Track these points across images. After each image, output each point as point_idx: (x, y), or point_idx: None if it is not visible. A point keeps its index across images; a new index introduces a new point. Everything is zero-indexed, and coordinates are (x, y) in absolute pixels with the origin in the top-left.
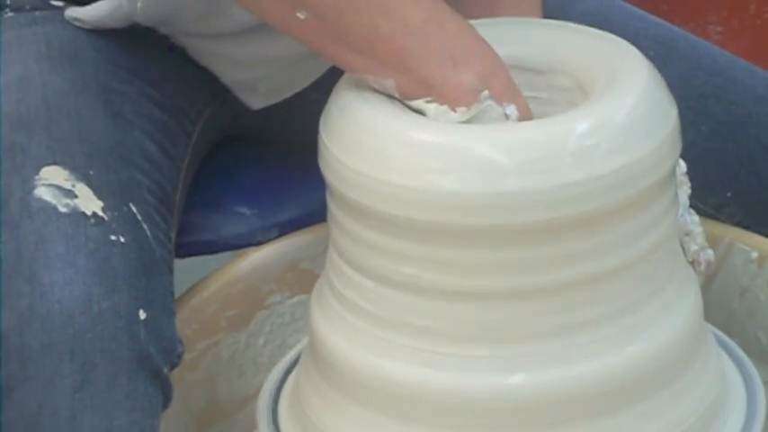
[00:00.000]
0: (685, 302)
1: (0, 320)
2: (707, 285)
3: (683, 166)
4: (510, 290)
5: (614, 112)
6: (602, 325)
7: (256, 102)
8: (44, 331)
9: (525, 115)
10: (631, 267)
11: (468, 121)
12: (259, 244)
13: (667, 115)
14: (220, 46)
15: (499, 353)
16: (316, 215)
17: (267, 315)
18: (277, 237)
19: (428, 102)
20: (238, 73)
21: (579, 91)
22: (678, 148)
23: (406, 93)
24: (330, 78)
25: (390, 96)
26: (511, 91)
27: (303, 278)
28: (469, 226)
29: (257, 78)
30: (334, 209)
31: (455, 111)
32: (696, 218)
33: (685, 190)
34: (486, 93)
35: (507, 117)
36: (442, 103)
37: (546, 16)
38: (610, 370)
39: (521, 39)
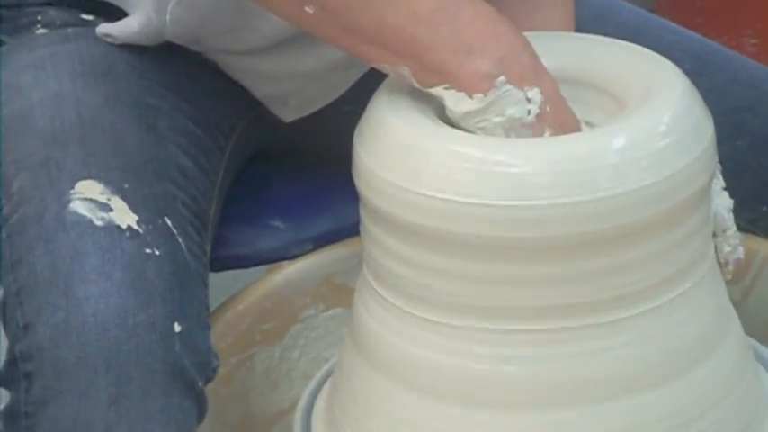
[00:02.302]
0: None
1: (36, 333)
2: (742, 299)
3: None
4: (543, 304)
5: (651, 126)
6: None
7: (288, 115)
8: (79, 344)
9: (551, 96)
10: (667, 281)
11: (486, 107)
12: (293, 257)
13: (703, 130)
14: (250, 61)
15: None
16: (350, 228)
17: (301, 329)
18: (311, 250)
19: (446, 89)
20: (269, 87)
21: (615, 104)
22: (714, 162)
23: (423, 81)
24: (362, 90)
25: (424, 110)
26: (532, 74)
27: (337, 292)
28: (502, 239)
29: (288, 92)
30: (367, 221)
31: (472, 97)
32: (731, 216)
33: (720, 186)
34: (502, 78)
35: (529, 101)
36: (459, 90)
37: (582, 29)
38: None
39: (557, 51)
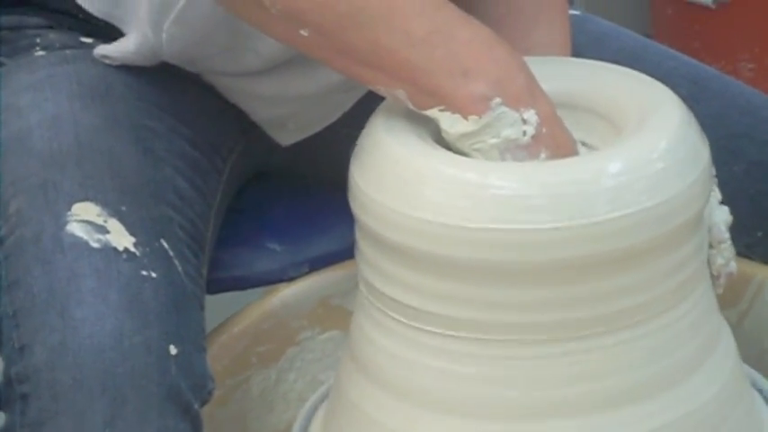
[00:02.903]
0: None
1: (32, 355)
2: (738, 324)
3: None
4: (538, 327)
5: (647, 151)
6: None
7: (286, 138)
8: (75, 366)
9: (547, 118)
10: (659, 302)
11: (482, 129)
12: (290, 280)
13: (699, 154)
14: (247, 84)
15: (528, 394)
16: (347, 251)
17: (298, 351)
18: (308, 272)
19: (441, 110)
20: (266, 110)
21: (612, 128)
22: (709, 187)
23: (418, 103)
24: (360, 113)
25: (421, 133)
26: (528, 95)
27: (334, 314)
28: (499, 263)
29: (286, 115)
30: (362, 244)
31: (467, 119)
32: (727, 230)
33: (717, 199)
34: (497, 100)
35: (525, 122)
36: (454, 112)
37: (580, 53)
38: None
39: (555, 76)
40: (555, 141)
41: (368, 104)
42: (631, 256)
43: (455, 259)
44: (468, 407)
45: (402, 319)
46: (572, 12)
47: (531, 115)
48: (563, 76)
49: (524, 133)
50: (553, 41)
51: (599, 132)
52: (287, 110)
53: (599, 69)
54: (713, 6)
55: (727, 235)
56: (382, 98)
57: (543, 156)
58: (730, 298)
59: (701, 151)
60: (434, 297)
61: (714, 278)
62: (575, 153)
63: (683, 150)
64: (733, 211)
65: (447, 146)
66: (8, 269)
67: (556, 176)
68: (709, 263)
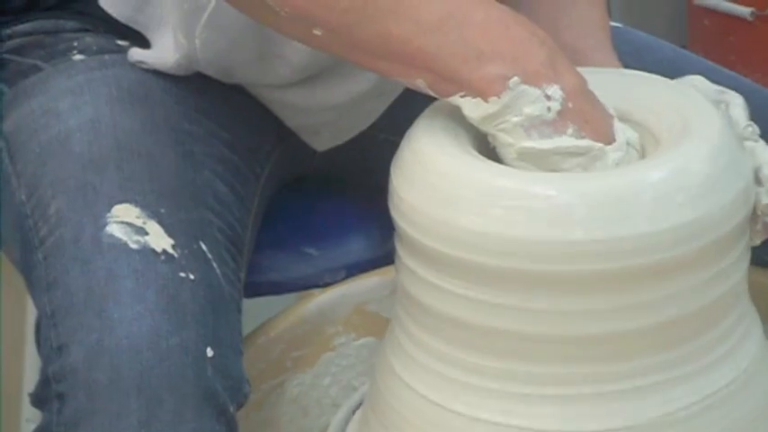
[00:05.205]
0: (749, 350)
1: (69, 354)
2: None
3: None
4: (572, 336)
5: (690, 163)
6: (665, 372)
7: (321, 144)
8: (112, 366)
9: (574, 92)
10: (698, 316)
11: (503, 109)
12: (326, 285)
13: (741, 168)
14: (280, 94)
15: (565, 397)
16: (383, 257)
17: (333, 356)
18: (344, 278)
19: (462, 96)
20: (300, 118)
21: (653, 139)
22: (751, 200)
23: (439, 90)
24: (397, 118)
25: (462, 142)
26: (550, 70)
27: (369, 320)
28: (537, 273)
29: (319, 123)
30: (402, 252)
31: (487, 101)
32: None
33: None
34: (516, 79)
35: (549, 98)
36: (474, 96)
37: (621, 64)
38: (672, 415)
39: (595, 86)
40: (583, 116)
41: (404, 109)
42: (669, 269)
43: (491, 268)
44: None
45: (438, 324)
46: (613, 24)
47: (555, 91)
48: (604, 85)
49: (549, 109)
50: (593, 20)
51: (639, 142)
52: (320, 118)
53: (640, 79)
54: (750, 18)
55: None
56: (419, 102)
57: (570, 131)
58: (766, 312)
59: (741, 163)
60: (472, 304)
61: (753, 224)
62: (607, 128)
63: (724, 162)
64: None
65: (489, 153)
66: (47, 269)
67: (595, 186)
68: (756, 203)
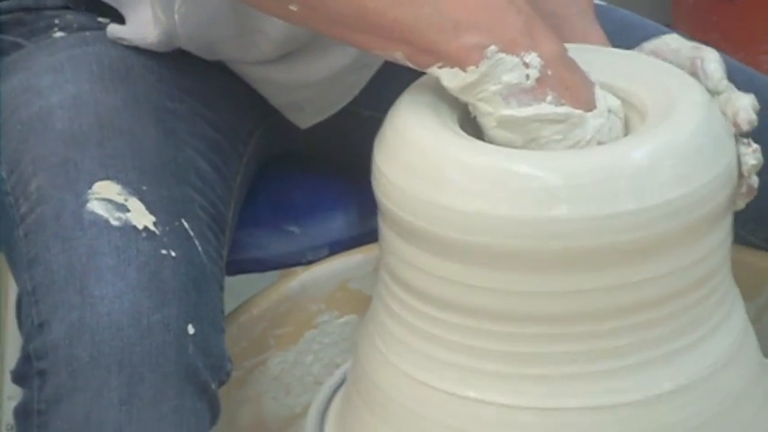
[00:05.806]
0: (732, 330)
1: (50, 331)
2: (757, 318)
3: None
4: (555, 314)
5: (672, 140)
6: (647, 350)
7: (304, 121)
8: (93, 343)
9: (553, 59)
10: (681, 295)
11: (481, 78)
12: (309, 263)
13: (725, 146)
14: (262, 71)
15: (547, 377)
16: (366, 235)
17: (315, 334)
18: (327, 256)
19: (440, 67)
20: (283, 95)
21: (638, 116)
22: (734, 179)
23: (417, 62)
24: (381, 94)
25: (445, 120)
26: (527, 38)
27: (352, 298)
28: (519, 250)
29: (302, 100)
30: (385, 230)
31: (465, 71)
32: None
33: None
34: (493, 48)
35: (527, 65)
36: (452, 67)
37: None
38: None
39: (580, 63)
40: (563, 83)
41: (387, 86)
42: (652, 247)
43: (474, 245)
44: (488, 383)
45: (420, 303)
46: (597, 2)
47: (533, 58)
48: (589, 63)
49: (527, 77)
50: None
51: (625, 119)
52: (303, 95)
53: (625, 57)
54: None
55: (754, 117)
56: (403, 78)
57: (550, 98)
58: (749, 292)
59: (725, 141)
60: (454, 283)
61: (738, 187)
62: (588, 95)
63: (708, 140)
64: (755, 205)
65: (473, 131)
66: (28, 246)
67: (578, 164)
68: (740, 163)
